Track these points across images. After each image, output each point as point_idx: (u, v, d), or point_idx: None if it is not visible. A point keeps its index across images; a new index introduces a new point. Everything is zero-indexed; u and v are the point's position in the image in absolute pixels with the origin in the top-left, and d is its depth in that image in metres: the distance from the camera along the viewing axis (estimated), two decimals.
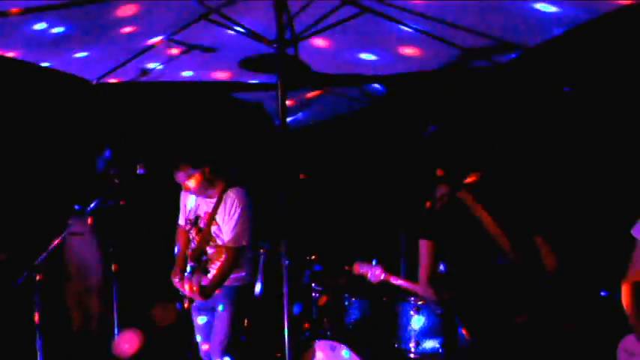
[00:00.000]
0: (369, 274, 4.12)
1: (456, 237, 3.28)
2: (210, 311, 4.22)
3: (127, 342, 4.77)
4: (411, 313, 3.90)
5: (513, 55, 3.61)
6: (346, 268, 4.31)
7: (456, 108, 4.53)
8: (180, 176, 4.14)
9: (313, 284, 4.61)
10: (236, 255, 4.07)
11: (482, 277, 3.25)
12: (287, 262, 3.46)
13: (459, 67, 3.85)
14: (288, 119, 5.71)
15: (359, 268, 4.18)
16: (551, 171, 4.08)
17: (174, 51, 4.07)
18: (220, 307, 4.16)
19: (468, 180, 3.37)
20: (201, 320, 4.30)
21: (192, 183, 4.12)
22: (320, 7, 3.63)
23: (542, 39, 3.37)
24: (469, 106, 4.42)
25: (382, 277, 4.04)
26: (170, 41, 3.92)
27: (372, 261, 4.14)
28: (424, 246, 3.33)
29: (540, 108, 4.18)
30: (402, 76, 4.35)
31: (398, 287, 3.97)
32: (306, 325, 4.61)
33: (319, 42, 4.05)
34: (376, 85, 4.46)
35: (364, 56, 4.14)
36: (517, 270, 3.21)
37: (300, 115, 5.79)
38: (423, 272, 3.32)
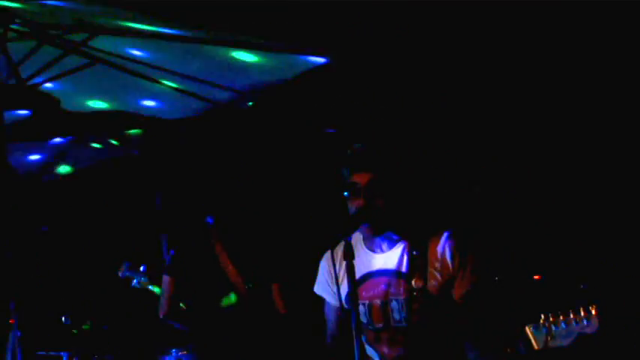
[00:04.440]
0: (134, 280, 4.06)
1: (197, 275, 3.35)
2: None
3: None
4: None
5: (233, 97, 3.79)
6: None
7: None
8: None
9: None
10: None
11: (218, 316, 3.34)
12: (18, 333, 3.28)
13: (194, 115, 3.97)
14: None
15: (125, 271, 4.08)
16: (292, 219, 4.29)
17: None
18: None
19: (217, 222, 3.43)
20: None
21: None
22: (48, 55, 3.50)
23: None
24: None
25: (148, 286, 4.03)
26: None
27: (140, 266, 4.06)
28: (166, 282, 3.38)
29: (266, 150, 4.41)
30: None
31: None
32: None
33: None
34: None
35: (93, 104, 4.06)
36: (250, 311, 3.33)
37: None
38: (162, 306, 3.37)
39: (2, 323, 3.97)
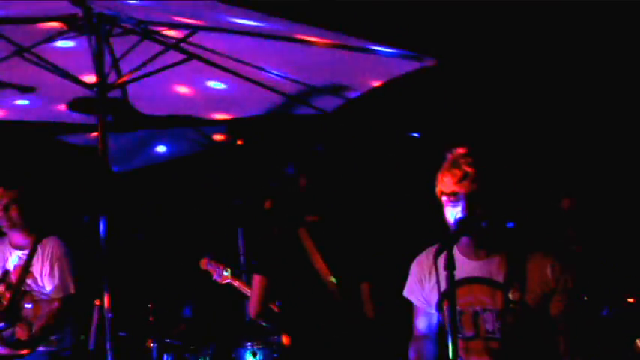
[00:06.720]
0: (215, 274, 4.14)
1: (289, 274, 3.26)
2: None
3: None
4: (248, 356, 3.89)
5: (338, 103, 3.77)
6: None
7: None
8: None
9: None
10: (65, 305, 3.78)
11: (312, 316, 3.29)
12: (110, 315, 3.38)
13: (284, 114, 3.97)
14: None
15: (207, 264, 4.19)
16: (385, 221, 4.23)
17: None
18: None
19: (309, 219, 3.39)
20: None
21: (7, 213, 3.75)
22: (147, 51, 3.59)
23: (361, 91, 3.57)
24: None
25: (228, 279, 4.11)
26: None
27: (222, 260, 4.16)
28: (257, 281, 3.28)
29: (366, 153, 4.37)
30: (238, 121, 4.41)
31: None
32: None
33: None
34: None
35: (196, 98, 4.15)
36: (341, 313, 3.25)
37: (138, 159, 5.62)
38: (253, 306, 3.27)
39: (89, 304, 4.14)
